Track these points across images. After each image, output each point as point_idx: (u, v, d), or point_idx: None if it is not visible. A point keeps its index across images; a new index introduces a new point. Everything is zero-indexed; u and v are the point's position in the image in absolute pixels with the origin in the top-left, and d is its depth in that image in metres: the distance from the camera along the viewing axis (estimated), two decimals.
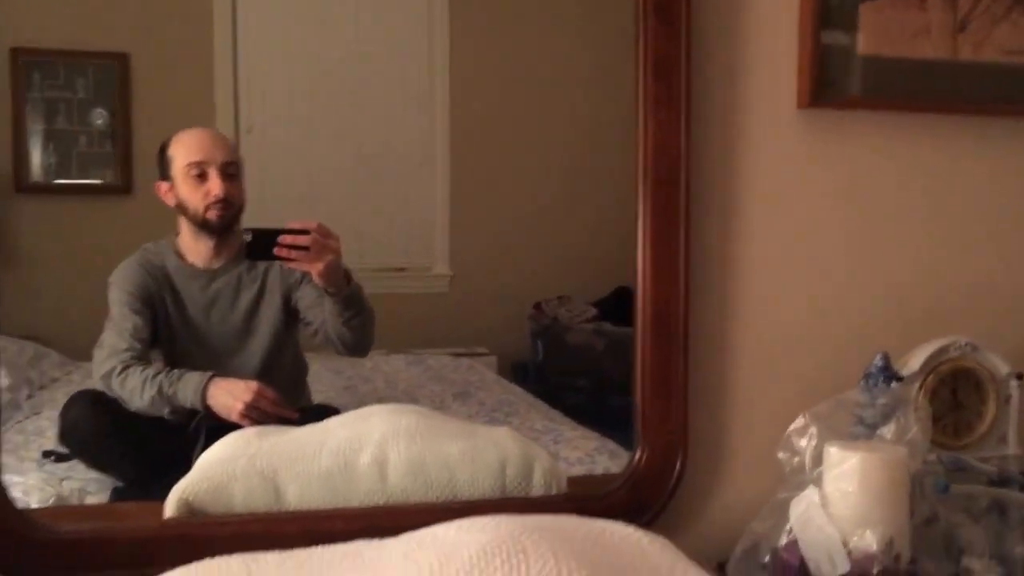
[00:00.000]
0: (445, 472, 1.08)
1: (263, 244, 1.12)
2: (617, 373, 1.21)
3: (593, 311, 1.41)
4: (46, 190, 1.22)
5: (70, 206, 1.24)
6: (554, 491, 1.10)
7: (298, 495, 1.05)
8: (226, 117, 1.26)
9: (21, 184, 1.19)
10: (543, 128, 1.39)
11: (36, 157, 1.20)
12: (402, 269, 1.36)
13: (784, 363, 1.27)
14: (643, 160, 1.16)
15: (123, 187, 1.24)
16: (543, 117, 1.39)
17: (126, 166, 1.23)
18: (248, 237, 1.13)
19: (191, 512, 1.02)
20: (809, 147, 1.27)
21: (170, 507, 1.02)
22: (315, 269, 1.14)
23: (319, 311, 1.19)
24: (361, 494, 1.06)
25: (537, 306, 1.39)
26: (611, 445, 1.24)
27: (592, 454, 1.23)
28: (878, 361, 1.11)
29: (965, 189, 1.34)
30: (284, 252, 1.12)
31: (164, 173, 1.17)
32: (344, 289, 1.17)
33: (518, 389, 1.35)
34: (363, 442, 1.07)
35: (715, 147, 1.22)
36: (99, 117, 1.21)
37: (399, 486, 1.07)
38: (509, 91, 1.38)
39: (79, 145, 1.21)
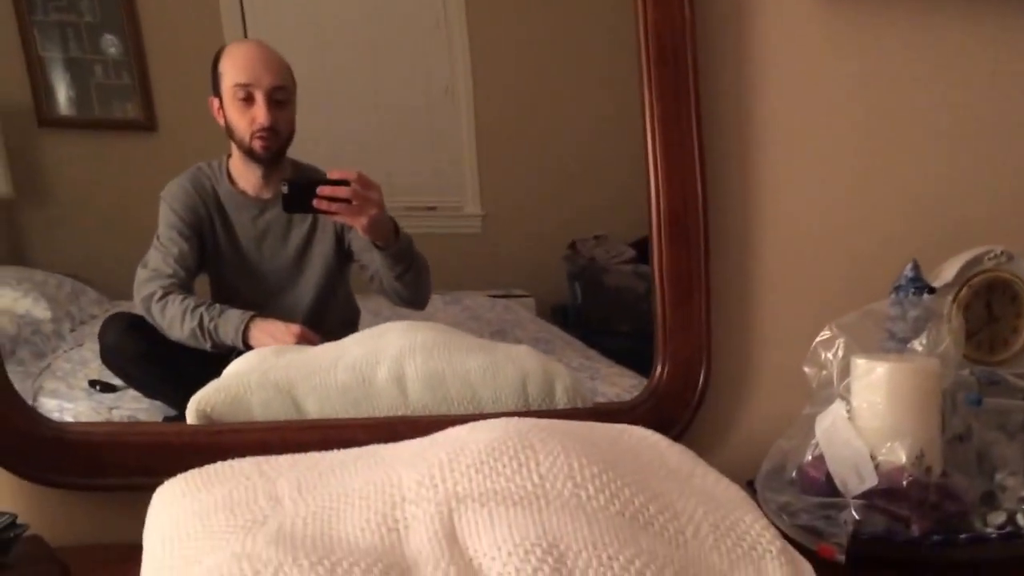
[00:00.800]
0: (467, 389, 1.07)
1: (300, 196, 1.08)
2: None
3: (631, 252, 1.35)
4: (68, 124, 1.18)
5: (94, 142, 1.19)
6: (579, 405, 1.09)
7: (318, 409, 1.05)
8: None
9: (44, 118, 1.15)
10: (576, 56, 1.30)
11: (56, 89, 1.15)
12: (432, 208, 1.31)
13: (809, 273, 1.23)
14: (643, 34, 1.10)
15: (147, 123, 1.18)
16: (575, 42, 1.30)
17: (147, 99, 1.17)
18: (284, 189, 1.09)
19: (211, 424, 1.03)
20: (828, 28, 1.20)
21: (190, 417, 1.04)
22: (358, 223, 1.10)
23: (373, 255, 1.16)
24: (383, 409, 1.06)
25: (572, 246, 1.34)
26: None
27: (630, 390, 1.21)
28: (908, 271, 1.07)
29: (1001, 85, 1.26)
30: (324, 205, 1.08)
31: (215, 88, 1.10)
32: (392, 244, 1.13)
33: (555, 328, 1.33)
34: (379, 357, 1.06)
35: (724, 20, 1.15)
36: (111, 45, 1.15)
37: (420, 401, 1.06)
38: (531, 11, 1.29)
39: (96, 76, 1.16)
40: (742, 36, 1.17)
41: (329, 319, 1.16)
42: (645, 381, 1.20)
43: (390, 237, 1.13)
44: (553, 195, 1.33)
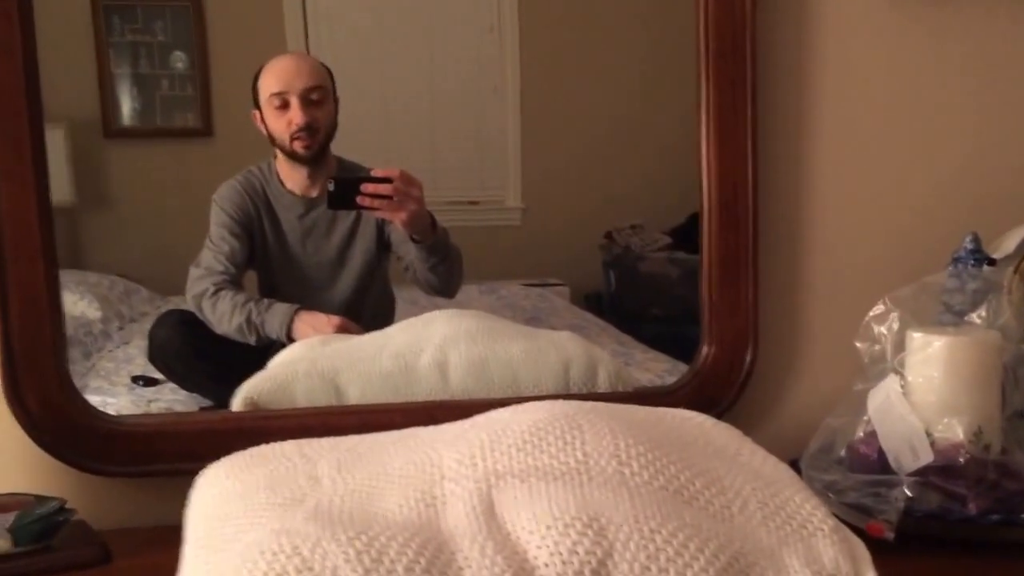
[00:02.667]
0: (508, 373, 1.08)
1: (345, 193, 1.12)
2: (692, 302, 1.18)
3: (666, 239, 1.37)
4: (132, 134, 1.25)
5: (154, 150, 1.26)
6: (620, 389, 1.09)
7: (359, 396, 1.08)
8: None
9: (109, 130, 1.22)
10: (614, 56, 1.35)
11: (123, 102, 1.23)
12: (475, 202, 1.34)
13: (862, 248, 1.21)
14: (703, 29, 1.11)
15: (204, 130, 1.25)
16: (614, 45, 1.34)
17: (206, 109, 1.24)
18: (331, 187, 1.13)
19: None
20: (888, 5, 1.18)
21: (236, 405, 1.06)
22: (398, 218, 1.13)
23: (409, 247, 1.18)
24: (422, 395, 1.08)
25: (608, 235, 1.36)
26: (683, 368, 1.21)
27: (662, 375, 1.21)
28: (968, 243, 1.03)
29: None
30: (367, 201, 1.11)
31: (256, 102, 1.16)
32: (429, 237, 1.16)
33: (589, 315, 1.34)
34: (423, 345, 1.09)
35: (782, 10, 1.16)
36: (179, 60, 1.23)
37: (460, 386, 1.08)
38: (579, 17, 1.35)
39: (161, 89, 1.23)
40: (800, 25, 1.17)
41: (367, 309, 1.19)
42: (679, 366, 1.20)
43: (427, 231, 1.15)
44: (591, 188, 1.36)
